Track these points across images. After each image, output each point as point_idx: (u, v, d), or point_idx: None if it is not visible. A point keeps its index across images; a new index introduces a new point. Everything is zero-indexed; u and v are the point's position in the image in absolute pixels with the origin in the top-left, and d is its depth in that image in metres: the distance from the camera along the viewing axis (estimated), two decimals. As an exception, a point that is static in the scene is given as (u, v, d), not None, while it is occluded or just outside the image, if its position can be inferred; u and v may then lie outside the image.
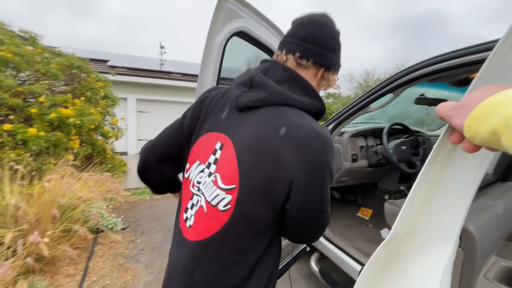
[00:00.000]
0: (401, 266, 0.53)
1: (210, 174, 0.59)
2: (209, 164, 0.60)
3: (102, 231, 2.68)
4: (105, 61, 9.22)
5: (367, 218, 2.28)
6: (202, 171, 0.61)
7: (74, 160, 3.11)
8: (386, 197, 2.43)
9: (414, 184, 0.47)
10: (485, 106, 0.31)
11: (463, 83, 1.94)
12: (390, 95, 1.67)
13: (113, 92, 5.07)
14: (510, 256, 0.96)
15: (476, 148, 0.35)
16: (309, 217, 0.59)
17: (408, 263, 0.52)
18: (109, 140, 4.73)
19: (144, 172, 0.76)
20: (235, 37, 1.07)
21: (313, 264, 1.85)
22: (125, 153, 8.75)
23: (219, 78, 1.03)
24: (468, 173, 0.47)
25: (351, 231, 2.01)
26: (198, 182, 0.61)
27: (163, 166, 0.74)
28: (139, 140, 9.26)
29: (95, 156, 4.21)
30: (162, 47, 10.92)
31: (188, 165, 0.66)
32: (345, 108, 1.81)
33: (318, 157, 0.54)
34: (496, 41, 1.16)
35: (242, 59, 1.30)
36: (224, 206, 0.56)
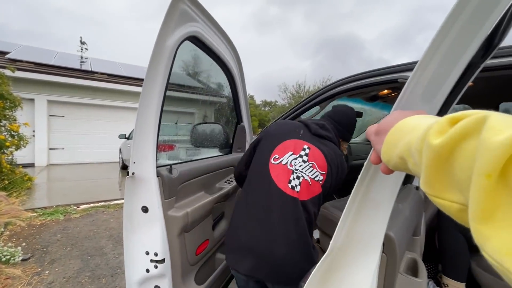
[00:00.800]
0: (339, 277, 0.57)
1: (304, 162, 1.00)
2: (301, 155, 1.02)
3: (-7, 266, 2.12)
4: (4, 53, 7.55)
5: (300, 221, 2.43)
6: (295, 158, 1.01)
7: (-51, 177, 2.40)
8: (316, 199, 2.65)
9: (348, 201, 0.52)
10: (393, 131, 0.32)
11: (373, 99, 2.30)
12: (317, 108, 1.84)
13: (13, 92, 4.17)
14: (413, 248, 1.13)
15: (390, 171, 0.36)
16: (333, 192, 1.14)
17: (345, 274, 0.57)
18: (6, 150, 3.85)
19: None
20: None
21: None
22: (31, 165, 7.26)
23: (168, 84, 0.95)
24: (389, 187, 0.54)
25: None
26: (294, 164, 1.00)
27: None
28: (50, 149, 7.80)
29: (-16, 171, 3.35)
30: (83, 43, 9.64)
31: (277, 156, 1.03)
32: (280, 117, 1.91)
33: (346, 171, 1.12)
34: (396, 66, 1.38)
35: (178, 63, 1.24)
36: (320, 181, 1.01)
